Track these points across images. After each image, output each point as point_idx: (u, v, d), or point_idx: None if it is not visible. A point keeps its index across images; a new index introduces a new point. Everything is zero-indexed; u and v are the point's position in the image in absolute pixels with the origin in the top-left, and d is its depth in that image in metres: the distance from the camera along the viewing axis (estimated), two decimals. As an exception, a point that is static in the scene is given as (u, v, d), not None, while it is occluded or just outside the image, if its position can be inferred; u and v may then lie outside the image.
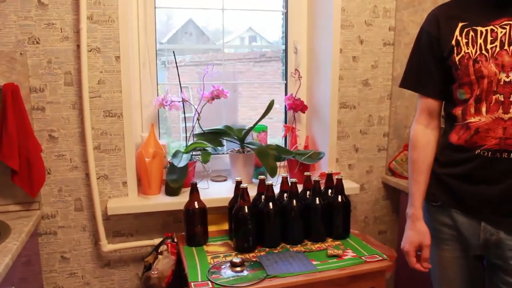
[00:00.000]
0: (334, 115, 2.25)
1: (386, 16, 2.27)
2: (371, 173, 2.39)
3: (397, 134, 2.38)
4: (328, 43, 2.22)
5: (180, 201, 1.93)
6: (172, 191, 2.02)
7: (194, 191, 1.82)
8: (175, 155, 2.06)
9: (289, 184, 1.83)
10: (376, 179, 2.41)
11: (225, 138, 2.22)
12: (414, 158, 1.54)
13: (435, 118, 1.54)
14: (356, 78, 2.26)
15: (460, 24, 1.40)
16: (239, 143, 2.20)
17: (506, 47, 1.31)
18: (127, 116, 1.95)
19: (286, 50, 2.43)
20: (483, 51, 1.34)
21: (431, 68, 1.48)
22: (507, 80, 1.31)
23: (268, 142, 2.35)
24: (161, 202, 1.99)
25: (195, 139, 2.15)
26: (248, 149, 2.19)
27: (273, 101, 2.15)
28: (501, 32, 1.33)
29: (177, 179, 1.96)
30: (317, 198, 1.84)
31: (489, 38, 1.34)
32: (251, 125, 2.20)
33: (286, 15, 2.40)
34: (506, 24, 1.33)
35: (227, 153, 2.28)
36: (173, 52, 2.14)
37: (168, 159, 2.08)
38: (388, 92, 2.33)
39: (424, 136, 1.53)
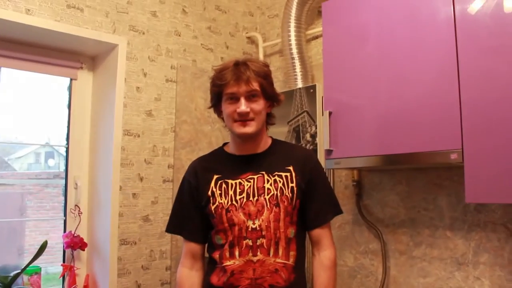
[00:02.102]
0: (114, 252, 2.22)
1: (165, 154, 2.41)
2: (154, 309, 2.37)
3: (179, 267, 2.43)
4: (108, 180, 2.24)
5: None
6: None
7: None
8: None
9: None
10: (160, 314, 2.39)
11: (-13, 286, 2.01)
12: None
13: (199, 260, 1.63)
14: (136, 214, 2.30)
15: (215, 177, 1.57)
16: (5, 290, 2.01)
17: (251, 198, 1.51)
18: None
19: (66, 185, 2.37)
20: (233, 202, 1.51)
21: (192, 214, 1.61)
22: (254, 226, 1.48)
23: (43, 286, 2.18)
24: None
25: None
26: (16, 296, 2.00)
27: (46, 243, 2.05)
28: (247, 185, 1.53)
29: None
30: None
31: (238, 190, 1.53)
32: (22, 268, 2.03)
33: (67, 149, 2.38)
34: (251, 178, 1.54)
35: (-9, 302, 2.05)
36: None
37: None
38: (169, 226, 2.41)
39: (188, 279, 1.60)
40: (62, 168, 2.50)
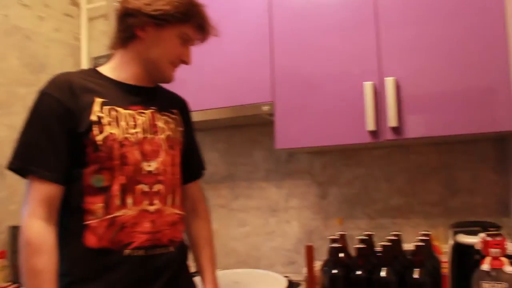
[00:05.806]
0: None
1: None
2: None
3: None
4: None
5: None
6: None
7: None
8: None
9: None
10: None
11: None
12: (40, 267, 1.10)
13: (55, 210, 1.17)
14: None
15: (98, 100, 1.21)
16: None
17: (147, 134, 1.25)
18: None
19: None
20: (127, 135, 1.21)
21: (59, 146, 1.16)
22: (149, 169, 1.23)
23: None
24: None
25: None
26: None
27: None
28: (140, 119, 1.25)
29: None
30: None
31: (130, 122, 1.23)
32: None
33: None
34: (142, 113, 1.27)
35: None
36: None
37: None
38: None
39: (49, 236, 1.13)
40: None
